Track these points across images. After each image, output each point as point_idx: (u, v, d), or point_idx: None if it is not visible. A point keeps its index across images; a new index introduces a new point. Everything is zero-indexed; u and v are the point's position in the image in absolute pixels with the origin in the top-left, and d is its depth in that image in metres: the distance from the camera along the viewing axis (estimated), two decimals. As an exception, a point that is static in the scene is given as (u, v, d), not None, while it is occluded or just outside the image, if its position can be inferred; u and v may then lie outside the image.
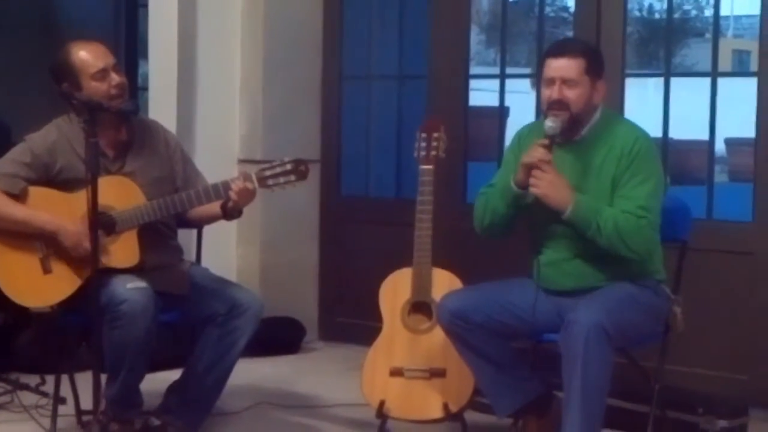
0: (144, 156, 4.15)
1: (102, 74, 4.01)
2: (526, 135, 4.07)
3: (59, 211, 3.96)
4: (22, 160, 4.03)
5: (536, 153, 3.77)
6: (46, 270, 3.97)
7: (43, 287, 3.97)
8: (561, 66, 3.84)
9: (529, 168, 3.78)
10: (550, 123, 3.79)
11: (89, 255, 3.64)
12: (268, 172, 3.95)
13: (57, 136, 4.06)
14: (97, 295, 3.69)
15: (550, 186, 3.76)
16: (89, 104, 3.73)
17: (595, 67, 3.88)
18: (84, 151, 3.72)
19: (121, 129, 4.11)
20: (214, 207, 4.07)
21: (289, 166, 3.95)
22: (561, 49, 3.92)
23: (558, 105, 3.82)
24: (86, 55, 4.03)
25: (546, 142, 3.78)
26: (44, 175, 4.03)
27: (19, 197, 3.99)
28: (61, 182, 4.03)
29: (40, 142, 4.06)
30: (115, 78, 4.02)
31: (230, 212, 4.06)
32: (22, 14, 7.45)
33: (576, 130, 3.89)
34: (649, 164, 3.84)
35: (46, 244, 3.96)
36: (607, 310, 3.65)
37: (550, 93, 3.83)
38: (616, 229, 3.73)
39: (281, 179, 3.95)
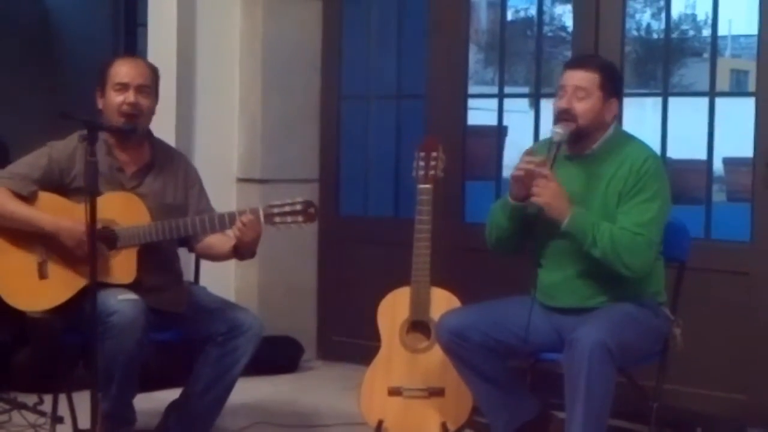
0: (161, 181, 4.15)
1: (121, 88, 4.04)
2: (537, 151, 3.95)
3: (64, 218, 3.96)
4: (38, 162, 4.05)
5: (529, 164, 3.76)
6: (42, 275, 3.97)
7: (36, 292, 3.96)
8: (576, 76, 3.86)
9: (520, 180, 3.79)
10: (558, 129, 3.81)
11: (86, 265, 3.60)
12: (276, 209, 3.94)
13: (78, 144, 4.06)
14: (84, 307, 3.65)
15: (554, 196, 3.74)
16: (87, 123, 3.74)
17: (610, 84, 3.88)
18: (102, 163, 3.77)
19: (143, 148, 4.13)
20: (227, 245, 4.07)
21: (298, 206, 3.93)
22: (580, 61, 4.00)
23: (566, 114, 3.83)
24: (119, 68, 4.09)
25: (542, 158, 3.77)
26: (58, 180, 4.04)
27: (28, 200, 4.00)
28: (74, 190, 4.02)
29: (60, 147, 4.09)
30: (130, 96, 4.03)
31: (242, 251, 4.05)
32: (22, 35, 7.47)
33: (584, 144, 3.90)
34: (656, 184, 3.83)
35: (46, 249, 3.96)
36: (609, 328, 3.65)
37: (560, 101, 3.85)
38: (612, 242, 3.72)
39: (288, 218, 3.93)
